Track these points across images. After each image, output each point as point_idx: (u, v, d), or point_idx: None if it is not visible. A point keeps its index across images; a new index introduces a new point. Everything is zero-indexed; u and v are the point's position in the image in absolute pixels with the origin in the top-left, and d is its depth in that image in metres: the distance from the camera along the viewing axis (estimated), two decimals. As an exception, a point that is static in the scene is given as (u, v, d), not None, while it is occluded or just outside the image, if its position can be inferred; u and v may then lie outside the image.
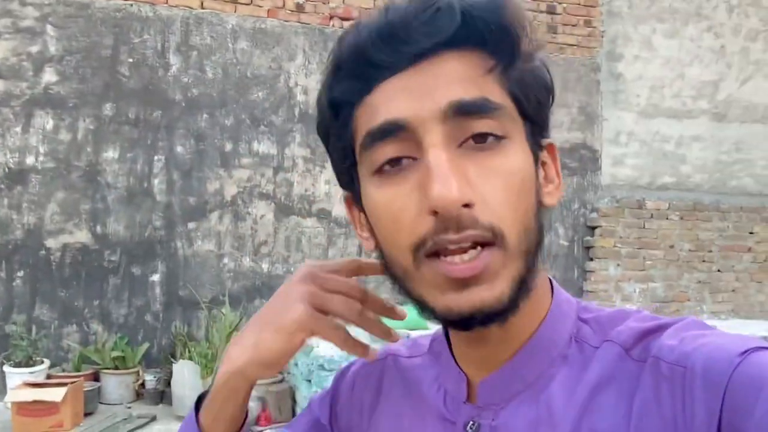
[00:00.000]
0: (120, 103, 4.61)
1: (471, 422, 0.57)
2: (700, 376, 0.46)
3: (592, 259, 5.58)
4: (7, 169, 4.36)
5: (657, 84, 5.83)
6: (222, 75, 4.81)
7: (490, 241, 0.48)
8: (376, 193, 0.52)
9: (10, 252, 4.35)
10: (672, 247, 5.74)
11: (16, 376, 3.88)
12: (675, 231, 5.75)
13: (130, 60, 4.65)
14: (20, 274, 4.36)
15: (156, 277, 4.62)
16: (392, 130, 0.50)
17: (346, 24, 5.02)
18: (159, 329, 4.59)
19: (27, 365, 3.97)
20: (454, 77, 0.50)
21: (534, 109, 0.53)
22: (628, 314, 0.56)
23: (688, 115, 5.91)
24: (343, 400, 0.70)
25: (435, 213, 0.47)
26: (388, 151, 0.51)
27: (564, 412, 0.52)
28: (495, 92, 0.51)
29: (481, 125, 0.50)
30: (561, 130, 5.63)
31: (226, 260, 4.73)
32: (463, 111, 0.49)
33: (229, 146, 4.80)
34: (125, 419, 3.78)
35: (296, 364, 3.72)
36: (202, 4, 4.80)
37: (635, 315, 0.56)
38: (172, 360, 4.12)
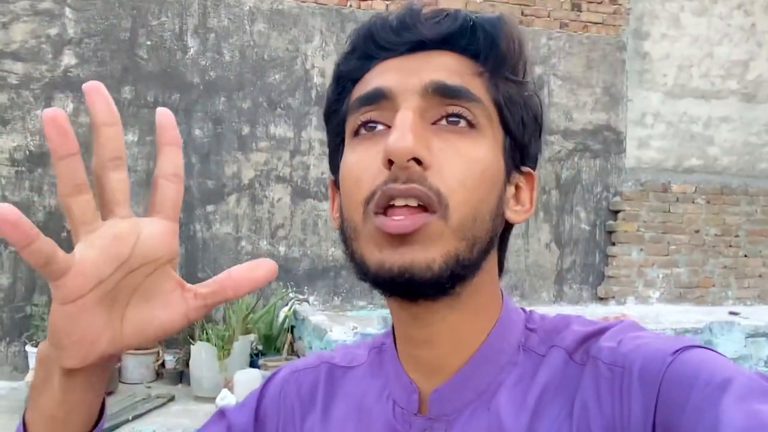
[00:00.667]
0: (138, 86, 4.62)
1: None
2: (637, 375, 0.48)
3: (614, 244, 5.48)
4: (28, 152, 4.42)
5: (685, 63, 5.66)
6: (239, 58, 4.79)
7: (433, 205, 0.50)
8: (349, 155, 0.56)
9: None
10: (697, 231, 5.61)
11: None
12: (701, 215, 5.62)
13: (149, 43, 4.65)
14: (42, 255, 4.43)
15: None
16: (376, 96, 0.54)
17: (364, 5, 4.96)
18: (178, 311, 4.64)
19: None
20: (443, 66, 0.54)
21: (516, 126, 0.57)
22: (570, 320, 0.58)
23: (717, 95, 5.74)
24: (270, 406, 0.67)
25: (389, 164, 0.50)
26: (368, 114, 0.55)
27: (516, 420, 0.53)
28: (478, 90, 0.55)
29: (456, 108, 0.53)
30: (584, 111, 5.51)
31: (243, 243, 4.75)
32: (441, 92, 0.53)
33: (246, 129, 4.79)
34: (144, 399, 3.83)
35: (310, 348, 3.74)
36: (219, -15, 4.77)
37: (577, 320, 0.58)
38: (191, 341, 4.17)
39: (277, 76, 4.85)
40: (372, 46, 0.57)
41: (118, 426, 3.29)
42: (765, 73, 5.81)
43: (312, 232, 4.88)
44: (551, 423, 0.52)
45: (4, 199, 4.35)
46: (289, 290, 4.75)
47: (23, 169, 4.41)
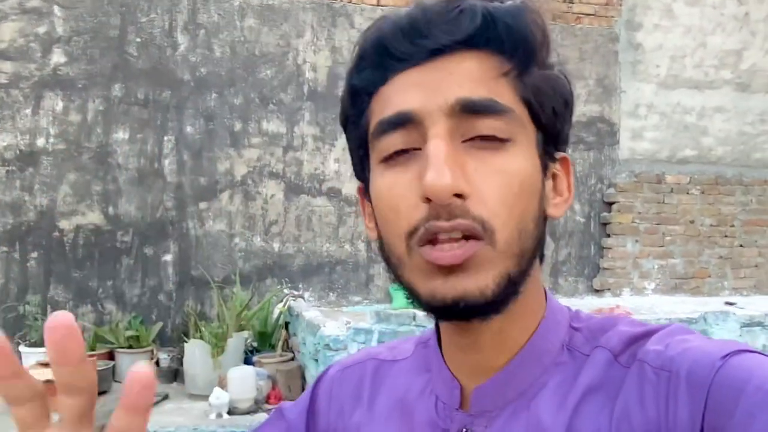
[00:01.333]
0: (129, 83, 4.59)
1: (464, 430, 0.57)
2: (684, 379, 0.47)
3: (609, 236, 5.47)
4: (18, 152, 4.39)
5: (678, 54, 5.64)
6: (230, 53, 4.77)
7: (479, 234, 0.49)
8: (380, 180, 0.54)
9: (24, 234, 4.40)
10: (692, 222, 5.60)
11: (31, 356, 3.93)
12: (696, 206, 5.61)
13: (138, 40, 4.62)
14: (34, 255, 4.41)
15: (168, 257, 4.64)
16: (401, 121, 0.52)
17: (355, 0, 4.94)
18: (172, 309, 4.62)
19: (42, 345, 4.02)
20: (466, 76, 0.51)
21: (548, 118, 0.54)
22: (618, 320, 0.57)
23: (710, 85, 5.73)
24: (322, 406, 0.69)
25: (429, 201, 0.49)
26: (396, 141, 0.52)
27: (555, 419, 0.53)
28: (506, 95, 0.52)
29: (486, 126, 0.51)
30: (577, 103, 5.48)
31: (237, 240, 4.73)
32: (469, 109, 0.50)
33: (238, 126, 4.77)
34: (138, 398, 3.82)
35: (304, 344, 3.72)
36: (209, -19, 4.74)
37: (624, 321, 0.57)
38: (185, 339, 4.15)
39: (268, 72, 4.83)
40: (386, 57, 0.53)
41: (111, 425, 3.27)
42: (759, 63, 5.79)
43: (306, 228, 4.86)
44: (591, 422, 0.51)
45: (-5, 198, 4.34)
46: (284, 286, 4.74)
47: (14, 168, 4.39)
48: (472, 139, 0.51)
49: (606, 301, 5.10)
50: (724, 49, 5.73)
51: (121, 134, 4.59)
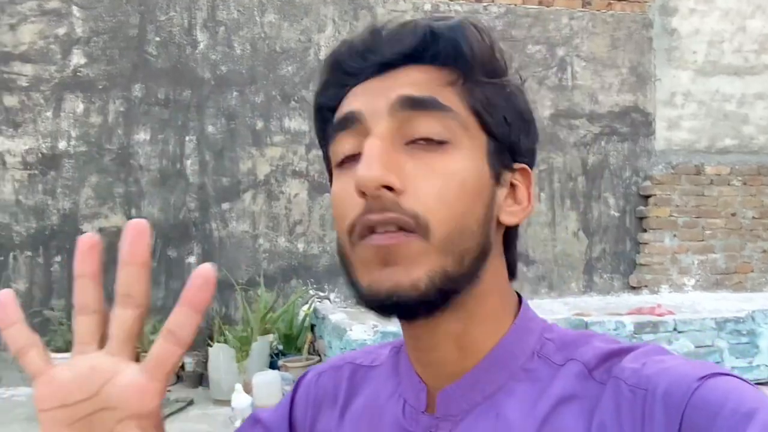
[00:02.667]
0: (149, 83, 4.53)
1: None
2: (660, 399, 0.47)
3: (645, 230, 5.26)
4: (40, 155, 4.35)
5: (715, 39, 5.39)
6: (251, 50, 4.67)
7: (411, 227, 0.50)
8: (334, 185, 0.56)
9: (47, 238, 4.36)
10: (734, 214, 5.36)
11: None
12: (737, 197, 5.37)
13: (157, 39, 4.55)
14: (58, 259, 4.37)
15: (192, 259, 4.57)
16: (349, 120, 0.54)
17: (377, -10, 4.80)
18: (197, 312, 4.55)
19: (67, 350, 3.98)
20: (410, 81, 0.54)
21: (499, 127, 0.56)
22: (592, 336, 0.57)
23: (751, 71, 5.47)
24: (300, 411, 0.69)
25: (363, 195, 0.50)
26: (346, 144, 0.55)
27: (523, 425, 0.53)
28: (450, 100, 0.54)
29: (426, 125, 0.53)
30: (610, 93, 5.29)
31: (261, 241, 4.64)
32: (409, 104, 0.53)
33: (260, 124, 4.68)
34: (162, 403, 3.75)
35: (330, 347, 3.61)
36: (228, -23, 4.65)
37: (599, 337, 0.57)
38: (209, 343, 4.07)
39: (289, 68, 4.72)
40: (341, 74, 0.57)
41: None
42: (803, 45, 5.52)
43: (331, 228, 4.74)
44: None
45: (18, 202, 4.30)
46: (309, 288, 4.63)
47: (36, 172, 4.35)
48: (414, 141, 0.53)
49: (643, 299, 4.89)
50: (765, 33, 5.47)
51: (142, 135, 4.52)
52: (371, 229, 0.51)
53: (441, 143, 0.53)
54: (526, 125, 0.59)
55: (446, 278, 0.51)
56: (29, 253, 4.34)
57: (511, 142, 0.57)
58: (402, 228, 0.51)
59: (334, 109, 0.58)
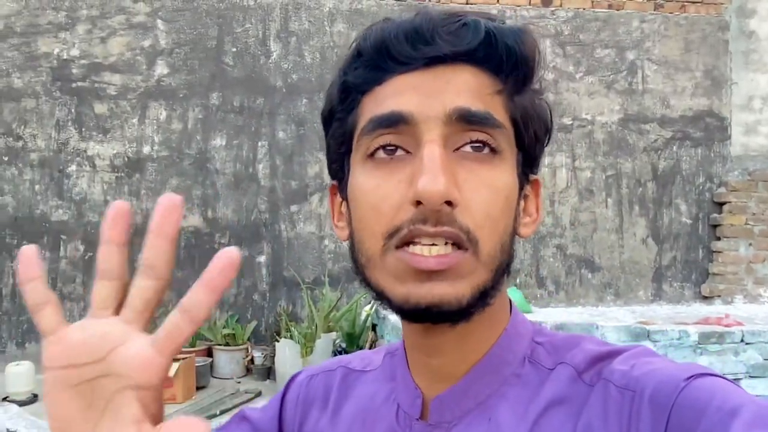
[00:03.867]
0: (225, 92, 4.79)
1: None
2: (648, 399, 0.48)
3: (719, 239, 5.09)
4: (126, 159, 4.69)
5: (798, 40, 5.16)
6: (320, 59, 4.86)
7: (464, 244, 0.50)
8: (364, 178, 0.54)
9: (132, 235, 4.66)
10: (817, 223, 5.10)
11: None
12: (820, 205, 5.11)
13: (234, 49, 4.81)
14: (141, 256, 4.68)
15: (262, 259, 4.79)
16: (396, 120, 0.52)
17: (444, 0, 4.89)
18: (266, 308, 4.77)
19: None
20: (464, 87, 0.52)
21: (530, 140, 0.56)
22: (582, 339, 0.58)
23: (838, 73, 5.20)
24: (289, 412, 0.70)
25: (417, 204, 0.49)
26: (386, 139, 0.53)
27: (514, 430, 0.53)
28: (499, 112, 0.53)
29: (477, 137, 0.52)
30: (683, 97, 5.16)
31: (326, 242, 4.81)
32: (466, 119, 0.51)
33: (328, 129, 4.85)
34: (232, 394, 3.96)
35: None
36: (300, -11, 4.86)
37: (589, 340, 0.57)
38: (277, 338, 4.27)
39: (357, 76, 4.87)
40: (385, 57, 0.54)
41: (206, 420, 3.42)
42: None
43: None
44: None
45: (106, 202, 4.65)
46: (373, 288, 4.76)
47: (122, 174, 4.69)
48: (463, 145, 0.52)
49: (714, 309, 4.74)
50: None
51: (218, 141, 4.79)
52: (416, 238, 0.50)
53: (489, 154, 0.52)
54: (547, 137, 0.58)
55: (485, 292, 0.52)
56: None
57: (534, 156, 0.57)
58: (452, 242, 0.50)
59: (364, 92, 0.55)
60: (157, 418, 0.40)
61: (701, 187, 5.18)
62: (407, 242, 0.50)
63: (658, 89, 5.16)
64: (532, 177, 0.59)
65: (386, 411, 0.61)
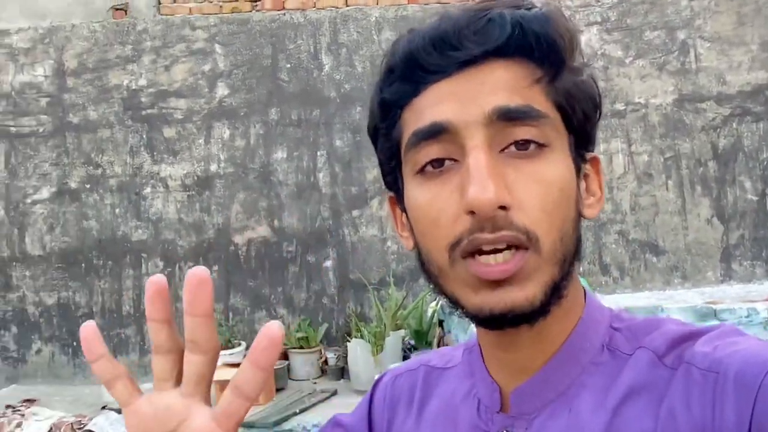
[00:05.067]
0: (283, 107, 5.01)
1: (504, 431, 0.58)
2: (732, 381, 0.46)
3: (789, 213, 4.96)
4: (196, 177, 4.97)
5: None
6: (370, 67, 5.02)
7: (524, 244, 0.50)
8: (418, 193, 0.54)
9: (206, 250, 4.97)
10: None
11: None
12: None
13: (288, 66, 5.02)
14: (215, 268, 4.96)
15: (328, 263, 4.98)
16: (437, 131, 0.52)
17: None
18: (335, 310, 4.96)
19: (226, 348, 4.51)
20: (500, 85, 0.51)
21: (579, 121, 0.55)
22: (663, 321, 0.56)
23: None
24: (378, 412, 0.72)
25: (472, 213, 0.49)
26: (431, 151, 0.53)
27: (594, 419, 0.52)
28: (540, 102, 0.52)
29: (524, 132, 0.51)
30: (739, 72, 5.05)
31: (389, 243, 4.96)
32: (506, 117, 0.51)
33: (383, 134, 4.99)
34: (310, 393, 4.16)
35: (457, 341, 3.83)
36: (346, 1, 5.03)
37: (670, 321, 0.56)
38: (348, 339, 4.44)
39: (407, 80, 5.00)
40: (417, 69, 0.54)
41: (287, 419, 3.62)
42: None
43: (453, 228, 4.96)
44: (633, 424, 0.51)
45: (180, 220, 4.95)
46: (437, 286, 4.87)
47: (193, 192, 4.97)
48: (508, 146, 0.51)
49: (788, 286, 4.63)
50: None
51: (279, 154, 5.01)
52: (478, 246, 0.50)
53: (540, 147, 0.51)
54: (597, 112, 0.56)
55: (556, 286, 0.52)
56: (191, 264, 4.96)
57: (586, 133, 0.56)
58: (513, 245, 0.50)
59: (402, 106, 0.56)
60: None
61: (765, 162, 5.06)
62: (472, 252, 0.50)
63: (713, 66, 5.07)
64: (589, 155, 0.57)
65: (468, 406, 0.61)
